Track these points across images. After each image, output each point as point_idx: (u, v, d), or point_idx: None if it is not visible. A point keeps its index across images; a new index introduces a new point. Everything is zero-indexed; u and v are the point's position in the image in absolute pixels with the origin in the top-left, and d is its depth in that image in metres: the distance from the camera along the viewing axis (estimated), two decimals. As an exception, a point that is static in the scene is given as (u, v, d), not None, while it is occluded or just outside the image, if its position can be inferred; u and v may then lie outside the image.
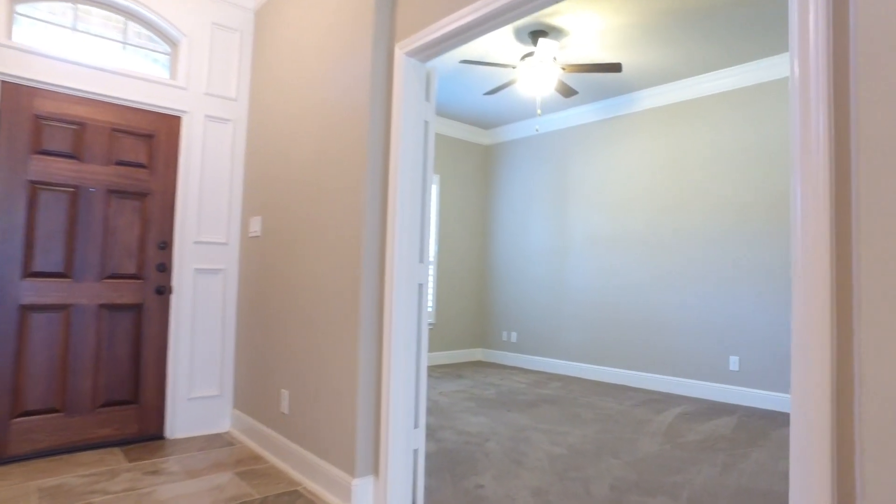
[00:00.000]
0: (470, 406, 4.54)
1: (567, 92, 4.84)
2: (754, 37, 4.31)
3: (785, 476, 3.00)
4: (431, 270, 6.70)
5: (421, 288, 2.62)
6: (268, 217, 3.45)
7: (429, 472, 2.95)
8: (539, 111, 4.29)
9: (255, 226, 3.57)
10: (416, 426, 2.57)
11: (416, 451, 2.56)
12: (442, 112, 6.45)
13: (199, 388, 3.54)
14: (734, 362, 4.81)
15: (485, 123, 6.92)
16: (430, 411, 4.32)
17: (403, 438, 2.50)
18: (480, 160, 7.32)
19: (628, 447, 3.47)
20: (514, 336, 6.78)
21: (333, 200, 2.80)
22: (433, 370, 6.30)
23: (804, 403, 1.30)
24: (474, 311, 7.21)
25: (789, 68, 1.36)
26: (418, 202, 2.64)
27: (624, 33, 4.33)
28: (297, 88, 3.23)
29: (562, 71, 4.90)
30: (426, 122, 2.68)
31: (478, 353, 7.21)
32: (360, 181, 2.62)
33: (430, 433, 3.70)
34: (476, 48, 4.68)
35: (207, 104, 3.61)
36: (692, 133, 5.22)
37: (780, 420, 4.24)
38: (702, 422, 4.15)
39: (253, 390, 3.45)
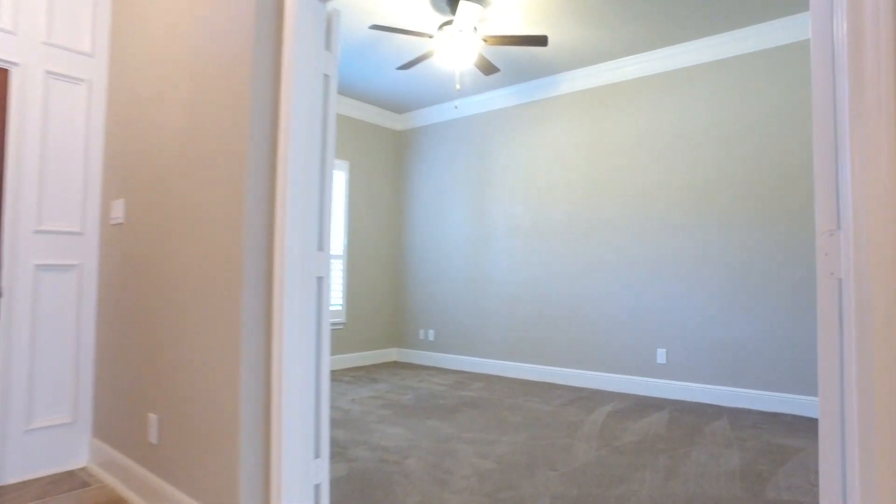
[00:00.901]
0: (386, 415, 4.05)
1: (488, 68, 4.46)
2: (682, 19, 4.12)
3: (732, 477, 2.76)
4: (340, 265, 6.13)
5: (321, 282, 2.11)
6: (133, 199, 2.78)
7: (337, 505, 2.44)
8: (458, 86, 3.88)
9: (118, 210, 2.88)
10: (316, 456, 2.05)
11: (317, 487, 2.05)
12: (350, 92, 5.88)
13: (42, 415, 2.81)
14: (661, 355, 4.65)
15: (398, 107, 6.43)
16: (340, 423, 3.79)
17: (301, 472, 1.98)
18: (393, 146, 6.82)
19: (563, 455, 3.13)
20: (431, 334, 6.36)
21: (210, 177, 2.22)
22: (345, 374, 5.74)
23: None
24: (388, 308, 6.71)
25: (810, 28, 0.99)
26: (316, 177, 2.12)
27: (549, 8, 4.00)
28: (166, 40, 2.59)
29: (483, 43, 4.51)
30: (326, 77, 2.16)
31: (393, 354, 6.73)
32: (240, 151, 2.05)
33: (341, 451, 3.18)
34: (388, 17, 4.18)
35: (49, 57, 2.87)
36: (617, 118, 5.02)
37: (709, 413, 4.10)
38: (634, 420, 3.92)
39: (117, 414, 2.77)
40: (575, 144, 5.27)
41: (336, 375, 5.66)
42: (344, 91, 5.91)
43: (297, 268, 2.00)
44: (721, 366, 4.36)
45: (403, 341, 6.66)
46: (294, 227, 2.00)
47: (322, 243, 2.11)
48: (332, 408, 4.26)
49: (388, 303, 6.70)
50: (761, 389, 4.18)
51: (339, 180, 6.13)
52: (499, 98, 5.82)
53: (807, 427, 3.73)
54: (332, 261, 5.96)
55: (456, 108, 4.36)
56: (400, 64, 5.14)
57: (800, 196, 4.07)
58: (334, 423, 3.80)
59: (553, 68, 5.19)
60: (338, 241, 6.09)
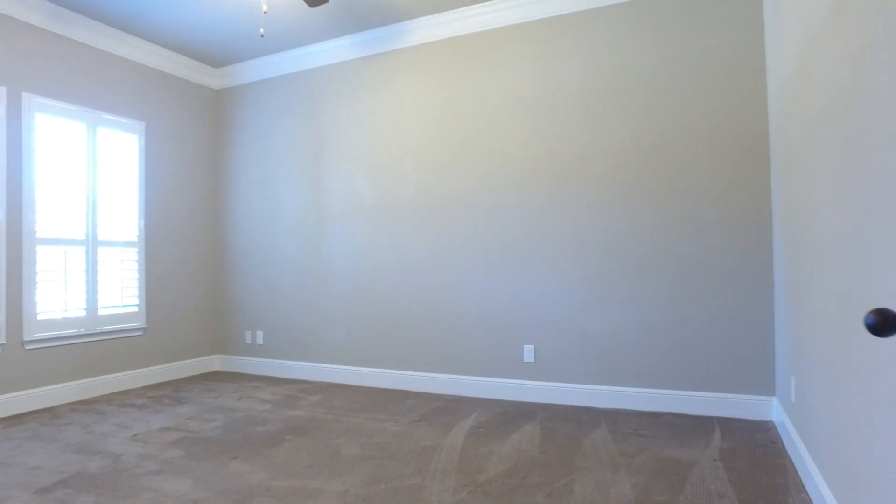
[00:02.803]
0: (174, 458, 2.90)
1: (315, -6, 3.42)
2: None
3: (627, 524, 2.08)
4: (134, 255, 4.73)
5: None
6: None
7: None
8: (265, 7, 2.81)
9: None
10: None
11: None
12: (146, 34, 4.49)
13: None
14: (529, 352, 3.99)
15: (213, 58, 5.13)
16: (95, 481, 2.58)
17: None
18: (209, 108, 5.49)
19: (410, 508, 2.26)
20: (259, 337, 5.20)
21: None
22: (143, 394, 4.41)
23: None
24: (205, 307, 5.41)
25: None
26: None
27: None
28: None
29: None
30: None
31: (215, 362, 5.46)
32: None
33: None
34: None
35: None
36: (477, 75, 4.24)
37: (586, 420, 3.49)
38: (501, 437, 3.18)
39: None
40: (426, 106, 4.42)
41: (130, 398, 4.32)
42: (137, 31, 4.50)
43: None
44: (594, 362, 3.79)
45: (226, 347, 5.41)
46: None
47: None
48: (97, 454, 3.01)
49: (205, 301, 5.40)
50: (638, 386, 3.67)
51: (131, 146, 4.70)
52: (336, 50, 4.79)
53: (690, 429, 3.24)
54: (123, 249, 4.57)
55: (262, 35, 3.28)
56: (201, -14, 3.91)
57: (683, 168, 3.58)
58: (84, 483, 2.58)
59: (401, 13, 4.28)
60: (130, 223, 4.68)
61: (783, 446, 2.89)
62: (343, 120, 4.79)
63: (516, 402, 3.99)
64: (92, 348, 4.39)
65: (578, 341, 3.83)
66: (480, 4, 4.11)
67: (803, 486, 2.39)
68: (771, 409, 3.33)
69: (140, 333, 4.75)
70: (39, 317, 4.05)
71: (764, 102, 3.39)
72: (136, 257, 4.72)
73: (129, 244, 4.65)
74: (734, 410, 3.42)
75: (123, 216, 4.62)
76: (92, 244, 4.36)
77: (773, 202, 3.33)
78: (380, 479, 2.58)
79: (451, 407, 3.88)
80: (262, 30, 2.92)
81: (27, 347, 3.99)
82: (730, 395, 3.43)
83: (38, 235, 4.03)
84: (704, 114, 3.53)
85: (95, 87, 4.44)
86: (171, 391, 4.53)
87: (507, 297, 4.07)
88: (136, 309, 4.71)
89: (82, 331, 4.31)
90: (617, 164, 3.75)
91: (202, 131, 5.40)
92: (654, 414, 3.56)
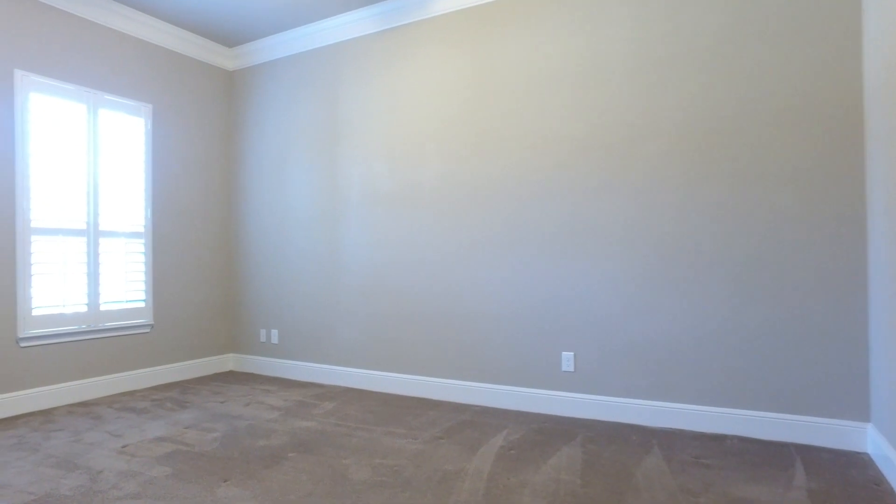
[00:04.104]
0: (158, 477, 2.53)
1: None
2: None
3: None
4: (140, 247, 4.41)
5: None
6: None
7: None
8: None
9: None
10: None
11: None
12: (152, 9, 4.15)
13: None
14: (568, 361, 3.50)
15: (227, 38, 4.77)
16: (60, 508, 2.23)
17: None
18: (221, 90, 5.14)
19: (422, 560, 1.82)
20: (274, 335, 4.84)
21: None
22: (149, 395, 4.09)
23: None
24: (218, 303, 5.07)
25: None
26: None
27: None
28: None
29: None
30: None
31: (229, 362, 5.13)
32: None
33: None
34: None
35: None
36: (508, 46, 3.76)
37: (635, 443, 2.99)
38: (536, 462, 2.71)
39: None
40: (451, 84, 3.96)
41: (132, 400, 4.00)
42: (143, 6, 4.16)
43: None
44: (644, 373, 3.28)
45: (241, 345, 5.07)
46: None
47: None
48: (76, 470, 2.66)
49: (217, 296, 5.06)
50: (696, 403, 3.15)
51: (137, 129, 4.38)
52: (352, 24, 4.37)
53: (764, 459, 2.72)
54: (128, 241, 4.25)
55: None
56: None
57: (752, 148, 3.04)
58: (48, 509, 2.23)
59: (427, -23, 3.83)
60: (135, 213, 4.36)
61: (891, 489, 2.34)
62: (360, 100, 4.37)
63: (553, 416, 3.51)
64: (94, 346, 4.09)
65: (625, 349, 3.33)
66: (515, -35, 3.63)
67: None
68: (865, 438, 2.77)
69: (147, 331, 4.44)
70: (35, 312, 3.75)
71: (858, 67, 2.82)
72: (142, 249, 4.40)
73: (134, 235, 4.34)
74: (817, 437, 2.86)
75: (128, 205, 4.30)
76: (93, 234, 4.05)
77: (868, 189, 2.76)
78: (389, 515, 2.15)
79: (479, 421, 3.43)
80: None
81: (22, 345, 3.70)
82: (811, 419, 2.88)
83: (33, 224, 3.73)
84: (780, 83, 2.97)
85: (97, 65, 4.12)
86: (177, 393, 4.20)
87: (542, 297, 3.59)
88: (142, 304, 4.40)
89: (83, 327, 4.01)
90: (671, 145, 3.23)
91: (214, 115, 5.06)
92: (716, 437, 3.04)
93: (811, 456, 2.73)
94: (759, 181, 3.01)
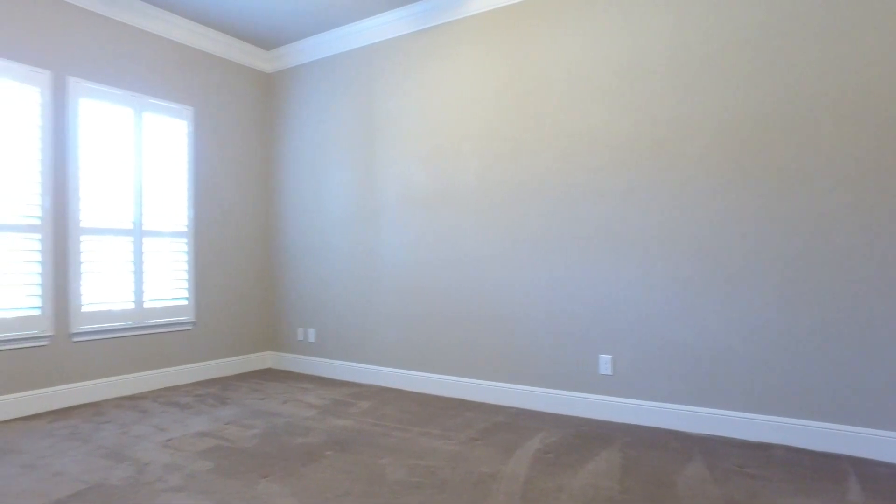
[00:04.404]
0: (200, 471, 2.60)
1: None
2: None
3: None
4: (184, 246, 4.53)
5: None
6: None
7: None
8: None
9: None
10: None
11: None
12: (193, 14, 4.25)
13: None
14: (606, 363, 3.44)
15: (266, 40, 4.85)
16: (109, 498, 2.30)
17: None
18: (260, 92, 5.24)
19: (459, 564, 1.82)
20: (311, 334, 4.91)
21: None
22: (191, 391, 4.20)
23: None
24: (257, 301, 5.17)
25: None
26: None
27: None
28: None
29: None
30: None
31: (267, 359, 5.23)
32: None
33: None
34: None
35: None
36: (547, 44, 3.71)
37: (675, 449, 2.92)
38: (573, 466, 2.67)
39: None
40: (487, 83, 3.93)
41: (176, 395, 4.12)
42: (185, 11, 4.27)
43: None
44: (685, 378, 3.20)
45: (279, 344, 5.17)
46: None
47: None
48: (124, 461, 2.75)
49: (256, 294, 5.17)
50: (740, 410, 3.05)
51: (180, 131, 4.50)
52: (388, 24, 4.38)
53: (814, 471, 2.61)
54: (172, 240, 4.38)
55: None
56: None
57: (802, 144, 2.92)
58: (100, 498, 2.31)
59: (463, -24, 3.82)
60: (178, 213, 4.48)
61: (950, 504, 2.22)
62: (396, 100, 4.38)
63: (590, 419, 3.45)
64: (139, 342, 4.23)
65: (666, 352, 3.25)
66: (553, -38, 3.58)
67: None
68: (923, 450, 2.64)
69: (189, 328, 4.56)
70: (85, 309, 3.90)
71: (916, 61, 2.68)
72: (184, 248, 4.52)
73: (177, 234, 4.46)
74: (872, 449, 2.73)
75: (171, 205, 4.43)
76: (138, 234, 4.18)
77: (927, 186, 2.62)
78: (426, 516, 2.15)
79: (515, 423, 3.40)
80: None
81: (74, 340, 3.85)
82: (866, 430, 2.75)
83: (83, 225, 3.87)
84: (829, 79, 2.84)
85: (142, 70, 4.25)
86: (218, 389, 4.30)
87: (580, 298, 3.53)
88: (185, 302, 4.52)
89: (129, 324, 4.14)
90: (715, 143, 3.13)
91: (253, 117, 5.16)
92: (761, 446, 2.94)
93: (867, 469, 2.61)
94: (807, 181, 2.89)
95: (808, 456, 2.78)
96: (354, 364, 4.60)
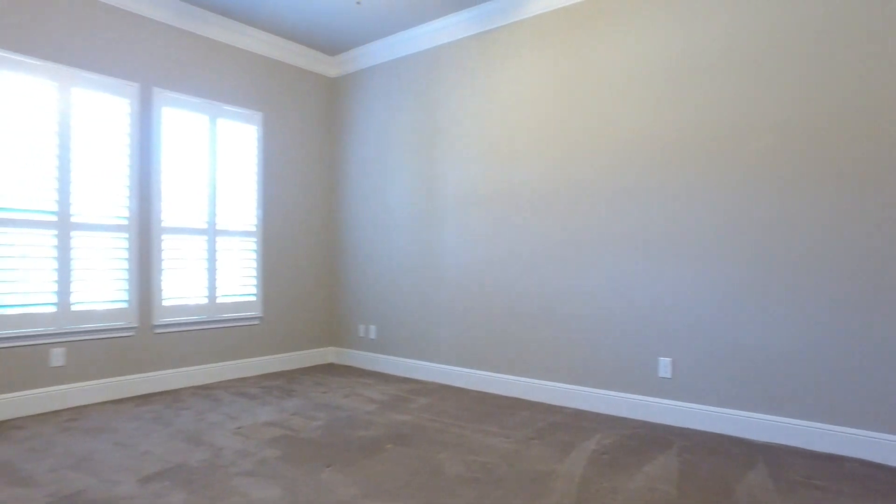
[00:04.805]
0: (269, 458, 2.76)
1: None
2: None
3: None
4: (252, 244, 4.78)
5: None
6: None
7: None
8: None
9: None
10: None
11: None
12: (260, 22, 4.48)
13: None
14: (665, 366, 3.39)
15: (330, 46, 5.04)
16: (191, 476, 2.49)
17: None
18: (325, 96, 5.44)
19: (514, 557, 1.87)
20: (372, 331, 5.06)
21: None
22: (258, 383, 4.44)
23: None
24: (320, 298, 5.39)
25: None
26: None
27: None
28: None
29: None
30: None
31: (330, 354, 5.43)
32: None
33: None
34: None
35: None
36: (604, 45, 3.69)
37: (737, 455, 2.85)
38: (630, 469, 2.66)
39: None
40: (545, 84, 3.95)
41: (245, 386, 4.36)
42: (255, 22, 4.51)
43: None
44: (748, 383, 3.11)
45: (341, 339, 5.36)
46: None
47: None
48: (201, 445, 2.96)
49: (320, 292, 5.38)
50: (809, 420, 2.95)
51: (249, 136, 4.75)
52: (448, 28, 4.46)
53: (891, 485, 2.50)
54: (241, 239, 4.63)
55: (358, 3, 3.00)
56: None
57: (872, 142, 2.80)
58: (181, 477, 2.50)
59: (523, -21, 3.85)
60: (248, 213, 4.74)
61: None
62: (456, 103, 4.46)
63: (648, 422, 3.42)
64: (212, 335, 4.50)
65: (727, 356, 3.18)
66: (614, -38, 3.56)
67: None
68: None
69: (257, 322, 4.81)
70: (165, 303, 4.19)
71: None
72: (253, 247, 4.77)
73: (247, 234, 4.71)
74: (951, 463, 2.59)
75: (242, 206, 4.68)
76: (211, 233, 4.45)
77: None
78: (482, 510, 2.21)
79: (571, 423, 3.41)
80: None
81: (156, 332, 4.14)
82: (947, 443, 2.61)
83: (164, 224, 4.16)
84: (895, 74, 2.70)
85: (216, 79, 4.51)
86: (283, 382, 4.52)
87: (638, 299, 3.50)
88: (253, 298, 4.78)
89: (203, 318, 4.42)
90: (777, 142, 3.03)
91: (318, 120, 5.37)
92: (831, 458, 2.83)
93: (945, 484, 2.48)
94: (872, 184, 2.75)
95: (885, 471, 2.66)
96: (414, 361, 4.72)
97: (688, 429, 3.29)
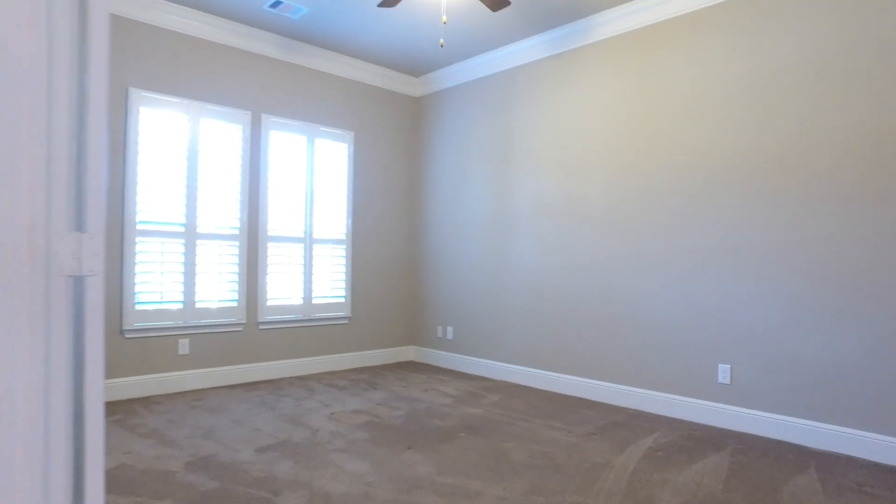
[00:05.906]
0: (358, 439, 3.22)
1: (495, 1, 3.46)
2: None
3: None
4: (343, 252, 5.32)
5: (82, 284, 1.25)
6: None
7: None
8: (444, 18, 2.94)
9: None
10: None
11: None
12: (352, 51, 5.02)
13: None
14: (724, 373, 3.56)
15: (414, 68, 5.51)
16: (295, 450, 2.99)
17: None
18: (410, 115, 5.92)
19: (565, 528, 2.19)
20: (450, 332, 5.47)
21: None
22: (346, 376, 4.97)
23: None
24: (402, 300, 5.86)
25: None
26: (43, 91, 1.25)
27: None
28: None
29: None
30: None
31: (410, 352, 5.90)
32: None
33: (268, 499, 2.37)
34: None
35: None
36: (668, 66, 3.90)
37: (789, 460, 3.00)
38: (680, 464, 2.89)
39: None
40: (615, 102, 4.19)
41: (335, 378, 4.90)
42: (348, 50, 5.05)
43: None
44: (806, 391, 3.23)
45: (421, 339, 5.81)
46: None
47: (82, 217, 1.25)
48: (301, 426, 3.47)
49: (402, 295, 5.86)
50: (867, 430, 3.03)
51: (342, 153, 5.31)
52: (522, 51, 4.79)
53: (938, 492, 2.58)
54: (333, 246, 5.17)
55: (442, 45, 3.39)
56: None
57: (933, 160, 2.86)
58: (288, 450, 3.00)
59: (586, 8, 4.12)
60: (339, 223, 5.29)
61: None
62: (530, 120, 4.78)
63: (705, 425, 3.59)
64: (307, 332, 5.07)
65: (786, 365, 3.30)
66: (678, -12, 3.76)
67: None
68: None
69: (346, 322, 5.35)
70: (269, 303, 4.79)
71: None
72: (343, 253, 5.31)
73: (338, 242, 5.26)
74: None
75: (334, 216, 5.23)
76: (308, 241, 5.02)
77: None
78: (541, 490, 2.53)
79: (631, 422, 3.65)
80: (441, 40, 3.07)
81: (260, 328, 4.75)
82: None
83: (270, 234, 4.77)
84: (978, 92, 2.75)
85: (314, 103, 5.09)
86: (368, 376, 5.02)
87: (700, 307, 3.68)
88: (342, 300, 5.32)
89: (300, 316, 4.99)
90: (840, 160, 3.13)
91: (403, 136, 5.85)
92: (889, 469, 2.91)
93: None
94: (949, 198, 2.81)
95: (940, 480, 2.72)
96: (487, 361, 5.08)
97: (744, 433, 3.44)
